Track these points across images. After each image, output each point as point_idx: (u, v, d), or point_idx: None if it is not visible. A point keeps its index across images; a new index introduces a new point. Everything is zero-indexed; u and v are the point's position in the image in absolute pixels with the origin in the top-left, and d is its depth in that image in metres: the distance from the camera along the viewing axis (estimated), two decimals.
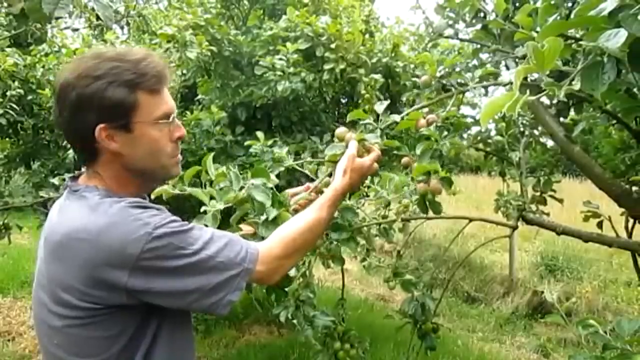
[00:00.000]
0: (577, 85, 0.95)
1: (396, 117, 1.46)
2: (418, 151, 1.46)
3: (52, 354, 1.10)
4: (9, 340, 4.32)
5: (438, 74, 1.66)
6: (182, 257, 1.03)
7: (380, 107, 1.47)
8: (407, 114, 1.54)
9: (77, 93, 1.05)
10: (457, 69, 1.80)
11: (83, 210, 1.05)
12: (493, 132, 2.06)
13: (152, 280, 1.02)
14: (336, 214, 1.39)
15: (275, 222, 1.27)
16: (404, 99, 3.75)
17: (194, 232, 1.08)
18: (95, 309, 1.02)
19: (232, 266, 1.08)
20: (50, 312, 1.06)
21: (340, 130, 1.41)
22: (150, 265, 1.01)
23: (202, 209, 1.28)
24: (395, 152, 1.51)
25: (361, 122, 1.46)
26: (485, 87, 1.68)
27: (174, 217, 1.08)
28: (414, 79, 3.73)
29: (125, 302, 1.03)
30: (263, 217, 1.29)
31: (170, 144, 1.15)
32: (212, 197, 1.29)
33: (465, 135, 2.05)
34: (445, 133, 1.50)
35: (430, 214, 1.52)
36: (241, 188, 1.31)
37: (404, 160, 1.57)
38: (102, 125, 1.06)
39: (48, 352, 1.11)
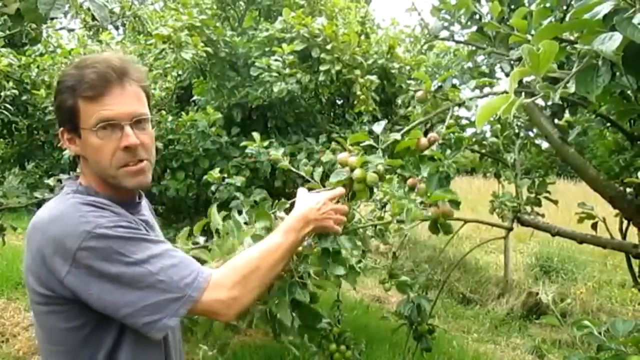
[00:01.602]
0: (572, 88, 0.96)
1: (396, 136, 1.45)
2: (424, 173, 1.45)
3: (38, 341, 1.15)
4: (2, 342, 4.30)
5: (433, 89, 1.67)
6: (118, 263, 1.00)
7: (378, 127, 1.46)
8: (407, 132, 1.54)
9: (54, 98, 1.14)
10: (454, 81, 1.81)
11: (50, 203, 1.11)
12: (488, 134, 2.06)
13: (89, 281, 1.00)
14: (333, 244, 1.31)
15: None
16: (399, 100, 3.77)
17: (145, 243, 1.05)
18: (53, 297, 1.04)
19: (173, 289, 1.03)
20: (30, 299, 1.11)
21: (342, 155, 1.39)
22: (88, 265, 1.00)
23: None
24: (398, 171, 1.47)
25: (361, 144, 1.44)
26: (482, 97, 1.69)
27: (127, 224, 1.06)
28: (409, 80, 3.74)
29: (71, 297, 1.03)
30: None
31: (119, 152, 1.09)
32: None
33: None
34: (448, 151, 1.49)
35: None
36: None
37: (410, 181, 1.55)
38: (61, 129, 1.13)
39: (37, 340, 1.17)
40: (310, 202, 1.23)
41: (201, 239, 1.28)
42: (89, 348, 1.07)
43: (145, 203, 1.37)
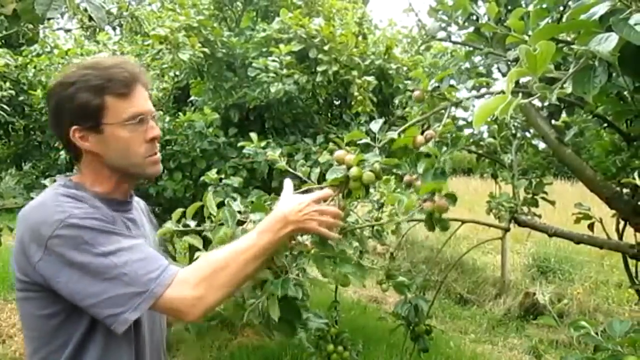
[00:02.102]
0: (568, 89, 0.96)
1: (393, 134, 1.45)
2: (420, 170, 1.44)
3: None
4: None
5: (430, 88, 1.66)
6: (86, 253, 1.05)
7: (375, 125, 1.45)
8: (404, 130, 1.53)
9: (55, 99, 1.18)
10: (451, 81, 1.80)
11: (37, 196, 1.17)
12: (485, 134, 2.06)
13: (59, 268, 1.05)
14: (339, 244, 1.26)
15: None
16: (396, 101, 3.77)
17: (115, 237, 1.09)
18: (29, 283, 1.10)
19: (137, 284, 1.05)
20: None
21: (339, 152, 1.37)
22: (59, 252, 1.04)
23: (195, 254, 1.23)
24: (394, 169, 1.46)
25: (358, 141, 1.43)
26: (479, 97, 1.69)
27: (101, 218, 1.11)
28: (406, 81, 3.74)
29: (44, 284, 1.07)
30: None
31: (145, 144, 1.21)
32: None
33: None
34: (444, 148, 1.49)
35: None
36: (239, 222, 1.27)
37: (406, 178, 1.55)
38: (74, 127, 1.17)
39: None
40: (292, 203, 1.19)
41: (192, 223, 1.29)
42: (61, 337, 1.12)
43: (138, 205, 1.41)
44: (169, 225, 1.29)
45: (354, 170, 1.31)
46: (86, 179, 1.22)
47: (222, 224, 1.27)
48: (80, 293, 1.04)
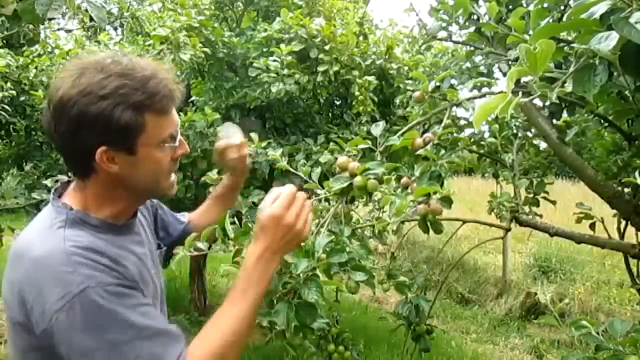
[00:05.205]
0: (569, 88, 0.96)
1: (395, 141, 1.44)
2: (417, 172, 1.44)
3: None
4: (0, 343, 4.29)
5: (430, 89, 1.66)
6: (98, 339, 0.91)
7: (376, 129, 1.45)
8: (404, 133, 1.53)
9: (78, 110, 0.96)
10: (452, 81, 1.81)
11: (38, 229, 1.02)
12: (486, 134, 2.06)
13: (64, 343, 0.92)
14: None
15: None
16: (397, 100, 3.77)
17: (130, 318, 0.94)
18: (20, 324, 0.97)
19: None
20: (7, 314, 1.03)
21: (343, 159, 1.36)
22: (68, 328, 0.91)
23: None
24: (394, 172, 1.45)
25: (360, 147, 1.42)
26: (480, 97, 1.69)
27: (117, 286, 0.96)
28: (407, 81, 3.74)
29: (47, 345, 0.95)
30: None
31: (171, 162, 1.10)
32: None
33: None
34: (443, 152, 1.49)
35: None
36: None
37: (403, 180, 1.55)
38: (103, 148, 0.99)
39: None
40: (263, 233, 1.03)
41: (203, 246, 1.21)
42: None
43: (139, 211, 1.29)
44: (182, 252, 1.17)
45: (358, 180, 1.30)
46: (91, 201, 1.07)
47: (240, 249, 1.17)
48: None
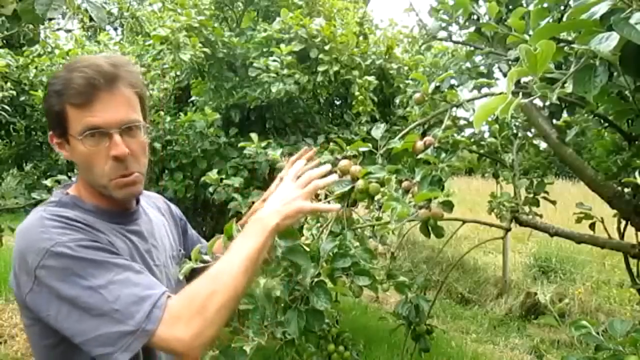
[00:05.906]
0: (569, 88, 0.96)
1: (396, 144, 1.44)
2: (418, 177, 1.44)
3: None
4: (0, 343, 4.29)
5: (430, 90, 1.66)
6: (75, 286, 0.94)
7: (377, 131, 1.44)
8: (404, 135, 1.53)
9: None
10: (452, 81, 1.81)
11: (31, 213, 1.08)
12: (486, 134, 2.06)
13: (48, 301, 0.96)
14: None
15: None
16: (397, 100, 3.77)
17: (107, 265, 0.97)
18: (27, 309, 1.02)
19: (128, 321, 0.93)
20: None
21: (344, 162, 1.34)
22: (47, 284, 0.95)
23: None
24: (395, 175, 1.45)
25: (361, 149, 1.41)
26: (480, 97, 1.69)
27: (94, 244, 0.99)
28: (407, 81, 3.74)
29: (35, 316, 1.01)
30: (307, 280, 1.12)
31: (110, 162, 1.05)
32: None
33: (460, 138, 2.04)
34: (443, 155, 1.48)
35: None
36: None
37: (405, 184, 1.54)
38: (50, 133, 1.10)
39: None
40: (271, 200, 1.08)
41: (207, 258, 1.18)
42: None
43: (155, 204, 1.33)
44: (190, 265, 1.18)
45: (360, 183, 1.30)
46: (82, 189, 1.12)
47: None
48: (69, 329, 0.95)
